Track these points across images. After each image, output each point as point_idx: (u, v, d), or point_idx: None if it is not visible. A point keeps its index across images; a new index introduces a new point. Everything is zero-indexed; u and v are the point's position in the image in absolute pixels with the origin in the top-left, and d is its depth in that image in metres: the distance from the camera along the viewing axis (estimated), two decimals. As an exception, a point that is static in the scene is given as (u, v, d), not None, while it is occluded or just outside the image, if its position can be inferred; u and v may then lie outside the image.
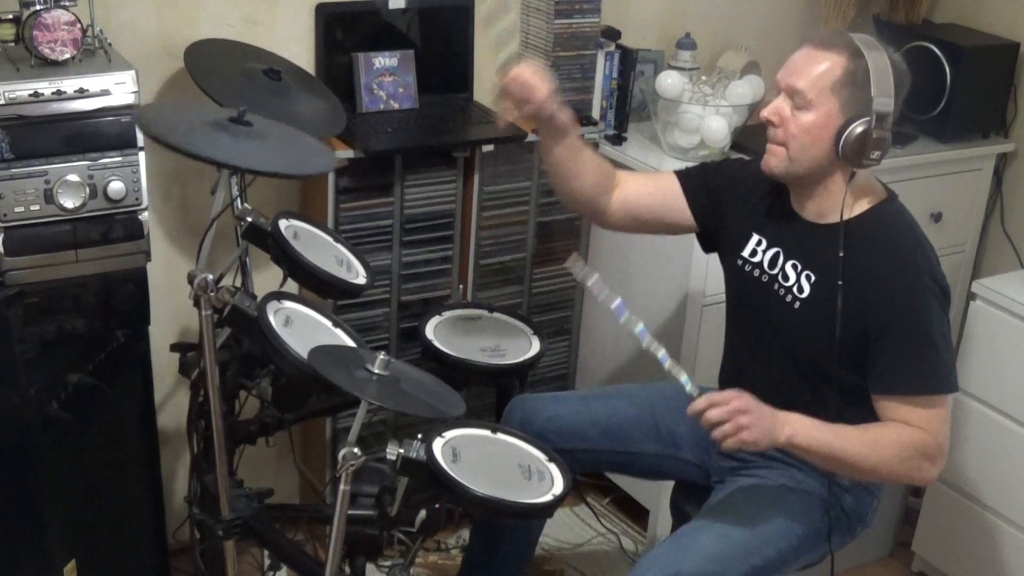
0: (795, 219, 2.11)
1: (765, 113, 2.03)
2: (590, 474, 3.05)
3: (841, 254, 1.99)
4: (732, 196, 2.22)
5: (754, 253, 2.16)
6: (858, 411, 2.02)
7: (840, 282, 1.99)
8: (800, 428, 1.93)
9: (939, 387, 1.98)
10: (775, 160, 2.04)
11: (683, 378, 1.93)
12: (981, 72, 3.04)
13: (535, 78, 2.06)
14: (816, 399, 2.06)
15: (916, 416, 1.95)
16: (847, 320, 1.99)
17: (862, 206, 2.04)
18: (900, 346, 1.96)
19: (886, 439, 1.96)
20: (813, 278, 2.06)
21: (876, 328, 1.97)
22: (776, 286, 2.11)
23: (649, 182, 2.33)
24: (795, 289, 2.08)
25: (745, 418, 1.87)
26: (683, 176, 2.28)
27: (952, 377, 2.00)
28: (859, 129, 1.95)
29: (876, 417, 2.01)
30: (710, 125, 2.77)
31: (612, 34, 2.92)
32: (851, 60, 1.95)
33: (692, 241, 2.69)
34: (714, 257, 2.33)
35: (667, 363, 1.94)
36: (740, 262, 2.17)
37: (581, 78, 2.89)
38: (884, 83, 1.94)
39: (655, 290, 2.84)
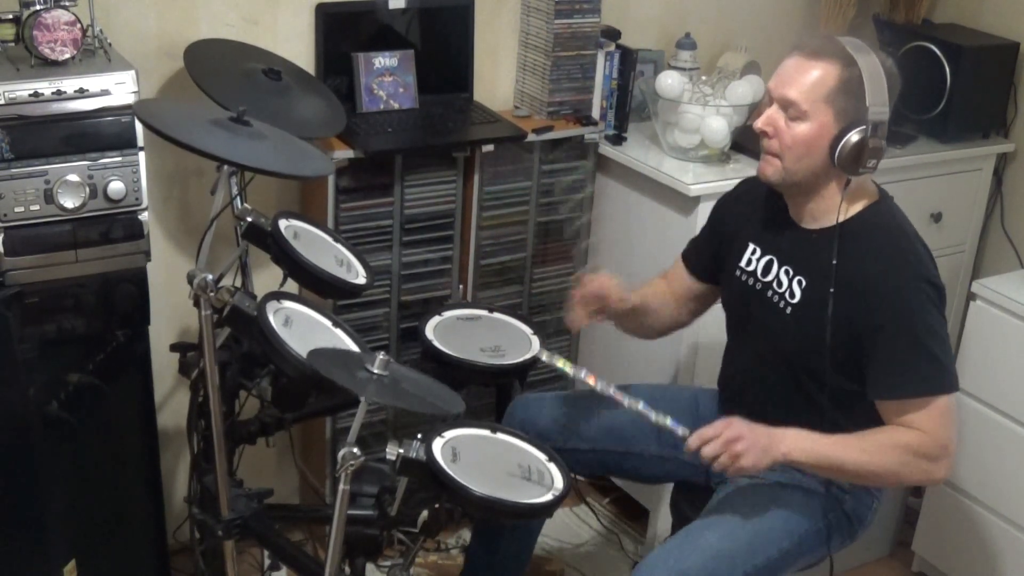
0: (790, 226, 2.10)
1: (759, 124, 2.02)
2: (590, 474, 3.05)
3: (835, 261, 1.98)
4: (727, 226, 2.24)
5: (749, 262, 2.16)
6: (850, 416, 2.02)
7: (832, 289, 1.97)
8: (796, 443, 1.94)
9: (935, 388, 1.95)
10: (771, 169, 2.03)
11: (668, 421, 2.01)
12: (981, 72, 3.04)
13: (606, 287, 2.17)
14: (809, 405, 2.06)
15: (915, 418, 1.94)
16: (837, 324, 1.98)
17: (854, 209, 2.03)
18: (893, 349, 1.95)
19: (885, 444, 1.95)
20: (804, 283, 2.05)
21: (867, 331, 1.96)
22: (769, 292, 2.11)
23: (672, 281, 2.37)
24: (787, 295, 2.07)
25: (740, 445, 1.90)
26: (686, 257, 2.34)
27: (949, 377, 1.97)
28: (855, 138, 1.94)
29: (869, 422, 2.01)
30: (710, 125, 2.77)
31: (612, 34, 2.92)
32: (844, 68, 1.93)
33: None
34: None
35: (653, 416, 2.02)
36: (737, 272, 2.18)
37: (581, 78, 2.88)
38: (878, 90, 1.93)
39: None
